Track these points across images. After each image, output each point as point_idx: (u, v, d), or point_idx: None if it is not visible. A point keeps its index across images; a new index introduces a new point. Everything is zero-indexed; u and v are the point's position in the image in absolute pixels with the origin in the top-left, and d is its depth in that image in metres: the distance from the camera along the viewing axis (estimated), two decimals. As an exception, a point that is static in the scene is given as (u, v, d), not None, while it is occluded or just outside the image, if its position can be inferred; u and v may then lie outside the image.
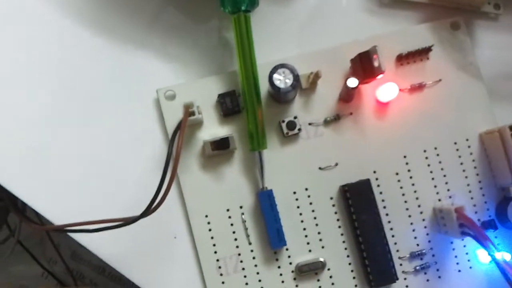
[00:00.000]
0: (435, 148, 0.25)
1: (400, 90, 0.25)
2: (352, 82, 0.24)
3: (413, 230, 0.25)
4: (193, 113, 0.23)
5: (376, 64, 0.24)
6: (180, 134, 0.22)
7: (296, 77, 0.24)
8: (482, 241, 0.22)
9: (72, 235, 0.24)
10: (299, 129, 0.25)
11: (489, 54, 0.27)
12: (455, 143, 0.25)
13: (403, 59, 0.26)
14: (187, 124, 0.23)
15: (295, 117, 0.25)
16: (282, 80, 0.24)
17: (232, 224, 0.24)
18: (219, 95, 0.25)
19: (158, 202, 0.21)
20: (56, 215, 0.24)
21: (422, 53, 0.26)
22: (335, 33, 0.26)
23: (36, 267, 0.48)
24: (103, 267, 0.51)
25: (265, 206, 0.24)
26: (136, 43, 0.26)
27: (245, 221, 0.24)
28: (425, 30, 0.26)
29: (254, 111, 0.24)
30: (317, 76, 0.25)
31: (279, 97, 0.25)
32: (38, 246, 0.49)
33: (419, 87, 0.26)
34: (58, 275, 0.49)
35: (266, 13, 0.26)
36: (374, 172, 0.25)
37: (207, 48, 0.26)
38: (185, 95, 0.25)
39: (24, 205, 0.26)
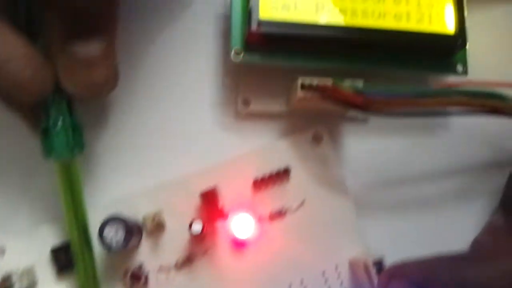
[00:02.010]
0: (301, 282, 0.23)
1: (259, 219, 0.23)
2: (197, 227, 0.21)
3: None
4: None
5: (218, 206, 0.21)
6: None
7: (130, 230, 0.21)
8: None
9: None
10: (147, 278, 0.22)
11: (358, 163, 0.25)
12: (324, 272, 0.23)
13: (261, 183, 0.23)
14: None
15: (140, 266, 0.22)
16: (113, 236, 0.21)
17: None
18: (52, 250, 0.22)
19: None
20: None
21: (281, 175, 0.23)
22: (186, 156, 0.23)
23: None
24: None
25: None
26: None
27: None
28: (284, 146, 0.24)
29: (85, 265, 0.21)
30: (161, 216, 0.22)
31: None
32: None
33: (280, 213, 0.23)
34: None
35: (105, 145, 0.23)
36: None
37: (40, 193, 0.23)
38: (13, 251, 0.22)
39: None
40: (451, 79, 0.24)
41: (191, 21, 0.24)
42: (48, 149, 0.21)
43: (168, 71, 0.24)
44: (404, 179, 0.25)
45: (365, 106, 0.21)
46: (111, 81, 0.20)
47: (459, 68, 0.24)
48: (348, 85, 0.22)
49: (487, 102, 0.22)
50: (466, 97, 0.22)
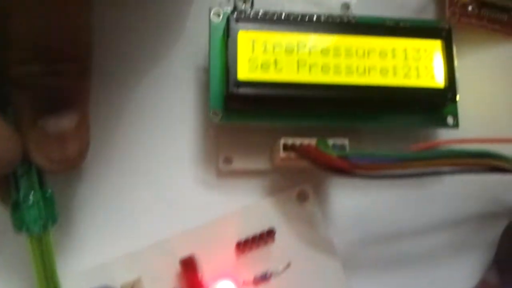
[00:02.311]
0: None
1: (242, 284, 0.22)
2: (175, 300, 0.20)
3: None
4: None
5: (198, 276, 0.20)
6: None
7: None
8: None
9: None
10: None
11: (347, 219, 0.24)
12: (311, 338, 0.22)
13: (244, 246, 0.22)
14: None
15: None
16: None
17: None
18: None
19: None
20: None
21: (265, 236, 0.22)
22: (166, 219, 0.22)
23: None
24: None
25: None
26: None
27: None
28: (268, 206, 0.23)
29: None
30: (140, 284, 0.21)
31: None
32: None
33: (265, 277, 0.22)
34: None
35: (78, 211, 0.22)
36: None
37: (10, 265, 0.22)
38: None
39: None
40: (441, 139, 0.23)
41: (170, 76, 0.23)
42: (19, 224, 0.20)
43: (145, 129, 0.23)
44: (394, 235, 0.24)
45: (350, 170, 0.20)
46: (85, 152, 0.19)
47: (450, 121, 0.23)
48: (332, 148, 0.21)
49: (478, 161, 0.21)
50: (455, 159, 0.21)
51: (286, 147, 0.21)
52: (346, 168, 0.20)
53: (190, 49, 0.23)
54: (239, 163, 0.23)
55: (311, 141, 0.21)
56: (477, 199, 0.24)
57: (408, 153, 0.20)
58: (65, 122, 0.18)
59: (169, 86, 0.23)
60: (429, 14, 0.25)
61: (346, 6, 0.24)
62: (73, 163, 0.19)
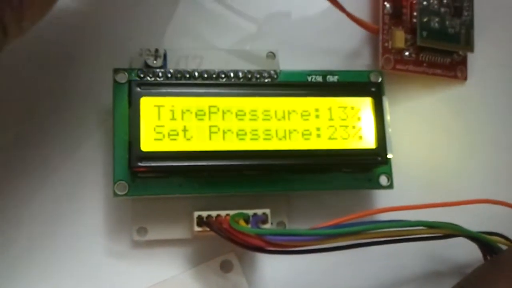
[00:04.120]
0: None
1: None
2: None
3: None
4: None
5: None
6: None
7: None
8: None
9: None
10: None
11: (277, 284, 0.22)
12: None
13: (162, 325, 0.21)
14: None
15: None
16: None
17: None
18: None
19: None
20: None
21: (185, 314, 0.21)
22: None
23: None
24: None
25: None
26: None
27: None
28: (189, 279, 0.21)
29: None
30: None
31: None
32: None
33: None
34: None
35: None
36: None
37: None
38: None
39: None
40: (372, 210, 0.21)
41: (78, 138, 0.21)
42: None
43: (52, 196, 0.21)
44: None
45: (267, 248, 0.18)
46: None
47: (383, 181, 0.21)
48: (251, 220, 0.19)
49: (410, 231, 0.19)
50: (385, 231, 0.19)
51: (201, 220, 0.19)
52: (262, 246, 0.18)
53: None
54: (154, 233, 0.21)
55: (229, 213, 0.19)
56: (416, 260, 0.23)
57: (335, 230, 0.18)
58: None
59: (76, 151, 0.21)
60: (364, 60, 0.23)
61: (272, 55, 0.22)
62: None
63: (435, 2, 0.23)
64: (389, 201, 0.22)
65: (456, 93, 0.25)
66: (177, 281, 0.21)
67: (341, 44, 0.23)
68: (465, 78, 0.24)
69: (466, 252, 0.22)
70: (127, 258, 0.21)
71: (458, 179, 0.24)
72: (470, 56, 0.25)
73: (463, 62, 0.24)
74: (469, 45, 0.24)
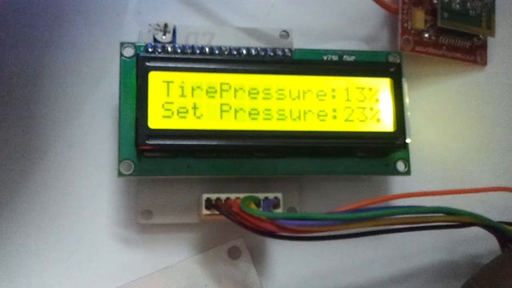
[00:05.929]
0: None
1: None
2: None
3: None
4: None
5: None
6: None
7: None
8: None
9: None
10: None
11: (283, 276, 0.21)
12: None
13: (167, 312, 0.20)
14: None
15: None
16: None
17: None
18: None
19: None
20: None
21: (190, 301, 0.20)
22: (80, 283, 0.20)
23: None
24: None
25: None
26: None
27: None
28: (196, 265, 0.20)
29: None
30: None
31: None
32: None
33: None
34: None
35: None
36: None
37: None
38: None
39: None
40: (390, 196, 0.20)
41: (83, 119, 0.20)
42: None
43: (58, 179, 0.20)
44: (338, 291, 0.21)
45: (278, 233, 0.17)
46: None
47: (400, 167, 0.20)
48: (262, 204, 0.18)
49: (429, 218, 0.18)
50: (404, 217, 0.18)
51: (209, 203, 0.18)
52: (274, 231, 0.17)
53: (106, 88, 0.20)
54: (160, 217, 0.20)
55: (239, 196, 0.18)
56: (433, 250, 0.22)
57: (342, 215, 0.17)
58: None
59: (80, 132, 0.20)
60: (381, 43, 0.22)
61: (286, 35, 0.21)
62: None
63: (457, -18, 0.22)
64: (404, 188, 0.21)
65: (475, 79, 0.24)
66: (182, 268, 0.20)
67: (358, 25, 0.22)
68: (485, 63, 0.24)
69: (483, 242, 0.22)
70: (131, 242, 0.20)
71: (476, 166, 0.23)
72: (490, 42, 0.24)
73: (483, 46, 0.23)
74: (490, 29, 0.23)
